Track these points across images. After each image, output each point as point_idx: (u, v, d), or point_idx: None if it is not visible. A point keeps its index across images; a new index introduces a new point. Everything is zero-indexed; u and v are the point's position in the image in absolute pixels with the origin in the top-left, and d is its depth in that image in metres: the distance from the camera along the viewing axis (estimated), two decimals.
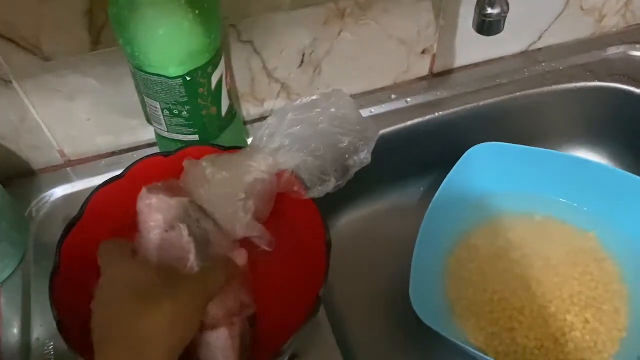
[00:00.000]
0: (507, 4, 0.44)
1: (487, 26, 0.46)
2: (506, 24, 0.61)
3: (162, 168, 0.43)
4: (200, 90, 0.44)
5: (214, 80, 0.45)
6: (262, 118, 0.61)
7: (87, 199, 0.42)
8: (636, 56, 0.65)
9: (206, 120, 0.47)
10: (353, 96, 0.62)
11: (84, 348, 0.35)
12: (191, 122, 0.47)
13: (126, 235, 0.40)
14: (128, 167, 0.43)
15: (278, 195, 0.43)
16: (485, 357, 0.52)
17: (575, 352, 0.55)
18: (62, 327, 0.37)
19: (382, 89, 0.63)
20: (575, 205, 0.64)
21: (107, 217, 0.42)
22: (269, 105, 0.60)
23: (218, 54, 0.45)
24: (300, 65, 0.57)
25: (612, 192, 0.61)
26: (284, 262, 0.45)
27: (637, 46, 0.66)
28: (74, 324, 0.37)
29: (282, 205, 0.44)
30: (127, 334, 0.32)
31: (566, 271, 0.61)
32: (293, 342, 0.37)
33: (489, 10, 0.44)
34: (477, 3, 0.45)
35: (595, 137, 0.68)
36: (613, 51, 0.66)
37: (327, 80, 0.60)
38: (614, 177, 0.62)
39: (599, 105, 0.65)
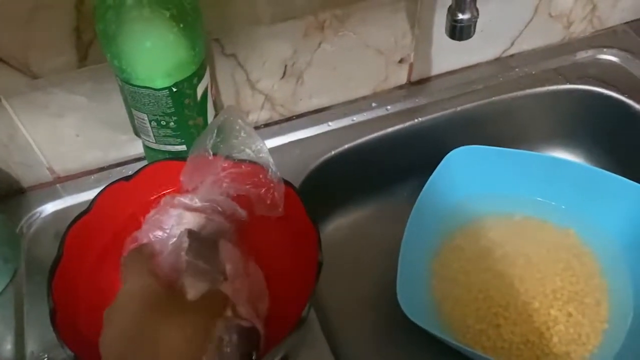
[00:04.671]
0: (477, 10, 0.47)
1: (458, 31, 0.48)
2: (479, 31, 0.64)
3: (127, 192, 0.47)
4: (187, 101, 0.46)
5: (200, 91, 0.47)
6: None
7: (61, 239, 0.44)
8: (604, 59, 0.68)
9: (193, 130, 0.49)
10: (335, 105, 0.65)
11: (77, 345, 0.36)
12: (178, 133, 0.48)
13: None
14: (94, 199, 0.47)
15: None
16: (473, 351, 0.54)
17: (559, 345, 0.57)
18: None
19: (364, 98, 0.65)
20: (553, 203, 0.66)
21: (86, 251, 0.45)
22: (253, 117, 0.61)
23: (203, 65, 0.47)
24: (283, 77, 0.59)
25: (588, 189, 0.64)
26: (275, 277, 0.47)
27: (605, 50, 0.69)
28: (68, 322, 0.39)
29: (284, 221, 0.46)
30: (146, 343, 0.33)
31: (548, 267, 0.62)
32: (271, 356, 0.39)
33: (460, 16, 0.46)
34: (449, 9, 0.48)
35: (570, 137, 0.71)
36: (582, 55, 0.69)
37: (309, 91, 0.62)
38: (590, 175, 0.64)
39: (571, 107, 0.67)
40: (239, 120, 0.46)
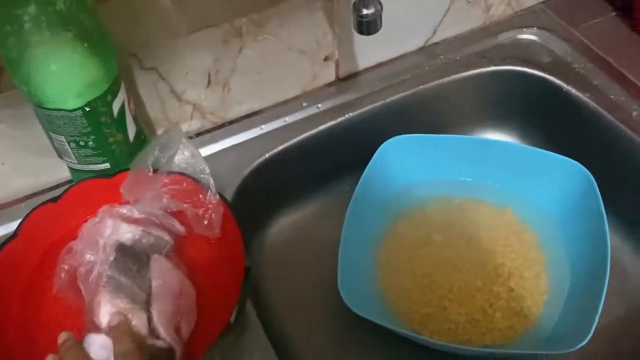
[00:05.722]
0: (380, 3, 0.48)
1: (365, 26, 0.49)
2: (401, 23, 0.66)
3: (55, 213, 0.47)
4: (103, 119, 0.46)
5: (116, 108, 0.47)
6: None
7: None
8: (525, 39, 0.70)
9: (114, 147, 0.49)
10: (266, 109, 0.65)
11: None
12: (99, 152, 0.48)
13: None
14: (20, 224, 0.47)
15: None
16: (416, 335, 0.55)
17: (502, 320, 0.59)
18: None
19: (294, 98, 0.66)
20: (489, 184, 0.68)
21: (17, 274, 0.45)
22: (184, 127, 0.62)
23: (116, 82, 0.47)
24: (208, 86, 0.59)
25: (521, 167, 0.65)
26: (209, 291, 0.48)
27: (525, 30, 0.71)
28: None
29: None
30: None
31: (488, 246, 0.64)
32: None
33: (364, 11, 0.47)
34: (353, 6, 0.48)
35: (500, 117, 0.73)
36: (504, 37, 0.71)
37: (237, 97, 0.62)
38: (521, 153, 0.66)
39: (498, 88, 0.69)
40: (183, 139, 0.47)
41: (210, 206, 0.46)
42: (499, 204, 0.67)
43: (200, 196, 0.47)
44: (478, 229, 0.65)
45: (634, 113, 0.62)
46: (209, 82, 0.59)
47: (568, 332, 0.54)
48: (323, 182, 0.69)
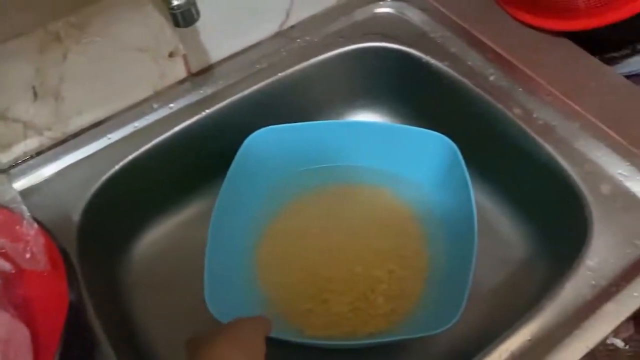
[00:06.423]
0: None
1: (181, 18, 0.45)
2: (250, 8, 0.62)
3: None
4: None
5: None
6: (19, 163, 0.56)
7: None
8: (382, 12, 0.68)
9: None
10: (113, 116, 0.60)
11: None
12: None
13: None
14: None
15: None
16: (294, 340, 0.52)
17: (385, 305, 0.57)
18: None
19: (143, 101, 0.61)
20: (364, 166, 0.66)
21: None
22: (18, 149, 0.55)
23: None
24: (36, 99, 0.53)
25: (392, 146, 0.64)
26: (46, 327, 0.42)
27: (380, 3, 0.69)
28: None
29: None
30: None
31: (366, 230, 0.62)
32: None
33: (175, 2, 0.44)
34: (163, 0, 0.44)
35: (369, 96, 0.71)
36: (360, 13, 0.68)
37: (75, 107, 0.56)
38: (390, 132, 0.64)
39: (360, 67, 0.67)
40: None
41: (29, 238, 0.41)
42: (375, 185, 0.65)
43: (17, 227, 0.42)
44: (356, 213, 0.64)
45: (491, 77, 0.61)
46: (35, 95, 0.53)
47: (445, 309, 0.53)
48: (190, 186, 0.65)
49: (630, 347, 0.81)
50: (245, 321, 0.41)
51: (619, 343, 0.82)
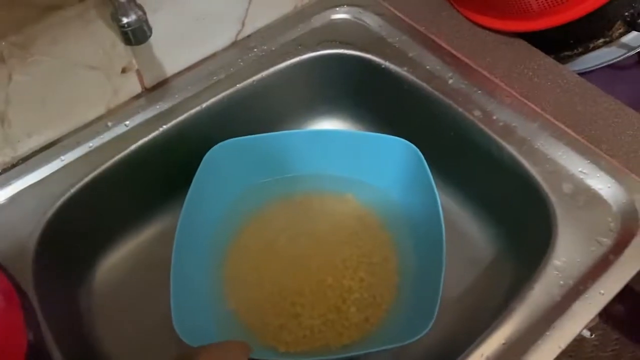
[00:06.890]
0: (141, 8, 0.42)
1: (132, 35, 0.43)
2: (203, 19, 0.61)
3: None
4: None
5: None
6: None
7: None
8: (338, 19, 0.68)
9: None
10: (65, 136, 0.57)
11: None
12: None
13: None
14: None
15: None
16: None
17: (357, 314, 0.57)
18: None
19: (97, 119, 0.58)
20: (328, 174, 0.65)
21: None
22: None
23: None
24: None
25: (355, 153, 0.63)
26: None
27: (337, 9, 0.68)
28: None
29: None
30: None
31: (333, 238, 0.62)
32: None
33: (125, 20, 0.42)
34: (112, 17, 0.42)
35: (330, 104, 0.70)
36: (317, 19, 0.67)
37: (24, 130, 0.54)
38: (352, 139, 0.64)
39: (320, 74, 0.66)
40: None
41: None
42: (340, 193, 0.64)
43: None
44: (322, 222, 0.63)
45: (450, 81, 0.61)
46: None
47: (419, 315, 0.52)
48: (152, 204, 0.63)
49: (595, 336, 0.83)
50: (231, 344, 0.40)
51: (585, 333, 0.84)
